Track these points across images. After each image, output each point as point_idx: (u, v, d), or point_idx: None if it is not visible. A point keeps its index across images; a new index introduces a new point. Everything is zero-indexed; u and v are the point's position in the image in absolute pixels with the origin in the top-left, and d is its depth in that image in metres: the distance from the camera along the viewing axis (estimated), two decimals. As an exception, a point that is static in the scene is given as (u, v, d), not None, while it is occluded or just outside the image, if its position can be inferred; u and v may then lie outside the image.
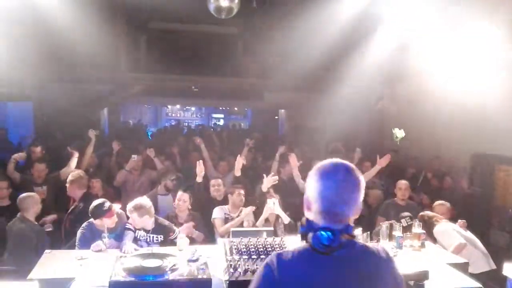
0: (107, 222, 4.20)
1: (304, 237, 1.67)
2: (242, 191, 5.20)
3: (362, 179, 1.72)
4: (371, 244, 1.82)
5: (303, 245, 1.67)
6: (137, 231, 4.31)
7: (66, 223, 4.97)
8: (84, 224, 4.36)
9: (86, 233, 4.29)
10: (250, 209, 5.00)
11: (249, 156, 7.42)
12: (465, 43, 6.76)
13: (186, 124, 20.69)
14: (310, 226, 1.66)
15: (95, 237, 4.18)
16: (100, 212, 4.22)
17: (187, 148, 9.08)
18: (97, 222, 4.28)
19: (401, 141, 6.16)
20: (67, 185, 5.18)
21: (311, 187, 1.71)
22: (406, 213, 5.14)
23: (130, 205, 4.31)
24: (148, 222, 4.33)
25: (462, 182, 7.14)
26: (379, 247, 1.75)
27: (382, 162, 6.10)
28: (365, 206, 6.71)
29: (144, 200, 4.36)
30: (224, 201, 5.48)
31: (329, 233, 1.61)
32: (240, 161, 5.88)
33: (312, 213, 1.71)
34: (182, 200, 5.08)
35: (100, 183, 6.01)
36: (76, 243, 4.28)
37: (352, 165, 1.73)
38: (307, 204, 1.73)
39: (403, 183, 5.97)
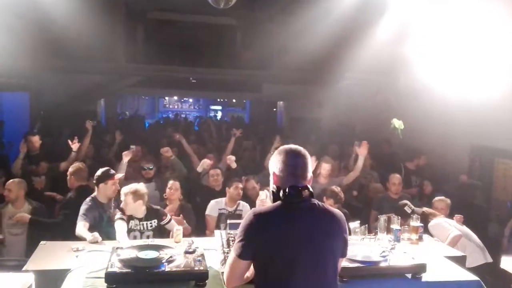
0: (110, 189, 4.44)
1: (276, 199, 2.25)
2: (240, 185, 5.17)
3: (307, 153, 2.36)
4: (329, 206, 2.42)
5: (276, 203, 2.25)
6: (130, 221, 4.27)
7: (57, 209, 5.05)
8: (87, 199, 4.47)
9: (91, 205, 4.39)
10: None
11: (235, 146, 7.40)
12: (466, 35, 6.72)
13: (184, 115, 20.62)
14: (279, 189, 2.25)
15: (97, 210, 4.37)
16: (106, 175, 4.49)
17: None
18: (100, 191, 4.47)
19: (400, 132, 6.11)
20: (68, 176, 5.17)
21: (279, 162, 2.31)
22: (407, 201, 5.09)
23: (125, 188, 4.29)
24: (141, 208, 4.30)
25: (462, 176, 7.08)
26: (336, 210, 2.39)
27: (362, 151, 6.03)
28: (363, 200, 6.70)
29: (140, 186, 4.39)
30: (222, 192, 5.47)
31: (297, 189, 2.22)
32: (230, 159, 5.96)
33: (279, 183, 2.28)
34: (174, 188, 5.06)
35: None
36: (80, 215, 4.31)
37: (302, 148, 2.37)
38: (275, 178, 2.31)
39: (397, 178, 5.93)
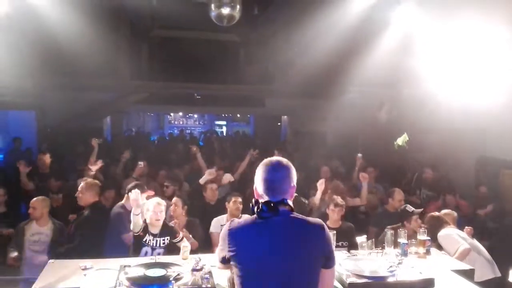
0: (137, 201, 4.38)
1: (253, 212, 2.28)
2: (239, 199, 5.13)
3: (291, 166, 2.36)
4: (310, 218, 2.34)
5: (251, 217, 2.30)
6: (146, 235, 4.26)
7: (70, 229, 4.92)
8: (118, 208, 4.82)
9: (124, 212, 4.65)
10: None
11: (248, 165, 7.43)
12: (470, 47, 6.75)
13: (189, 131, 20.67)
14: (257, 203, 2.29)
15: (128, 216, 4.41)
16: (140, 187, 4.59)
17: (187, 157, 9.01)
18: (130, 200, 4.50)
19: (403, 147, 6.08)
20: (80, 194, 4.97)
21: (258, 177, 2.35)
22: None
23: (156, 200, 4.34)
24: (161, 220, 4.35)
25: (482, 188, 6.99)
26: (317, 221, 2.34)
27: (365, 177, 6.08)
28: (361, 213, 6.66)
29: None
30: (217, 206, 5.52)
31: (269, 204, 2.24)
32: (227, 178, 5.90)
33: (259, 196, 2.33)
34: (174, 204, 5.08)
35: (113, 194, 6.01)
36: (112, 221, 4.59)
37: (284, 159, 2.40)
38: (256, 192, 2.35)
39: (402, 194, 5.83)
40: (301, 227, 2.27)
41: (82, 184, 5.03)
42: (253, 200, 2.33)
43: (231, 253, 2.25)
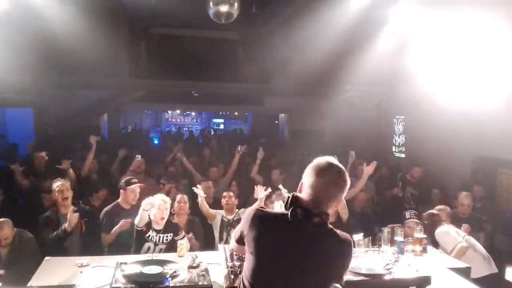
0: (129, 195, 4.75)
1: (287, 207, 2.12)
2: (231, 193, 5.27)
3: (349, 182, 2.16)
4: (340, 233, 2.16)
5: (283, 211, 2.14)
6: (148, 231, 4.28)
7: (82, 228, 4.63)
8: (109, 206, 4.83)
9: (111, 212, 4.72)
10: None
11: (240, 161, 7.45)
12: (468, 46, 6.75)
13: (186, 129, 20.66)
14: (296, 203, 2.11)
15: (120, 215, 4.62)
16: (127, 182, 4.80)
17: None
18: (122, 197, 4.82)
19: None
20: (66, 195, 4.68)
21: (308, 179, 2.13)
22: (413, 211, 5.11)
23: (162, 197, 4.33)
24: (166, 218, 4.35)
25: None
26: (347, 237, 2.17)
27: (369, 169, 5.99)
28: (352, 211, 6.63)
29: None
30: (214, 204, 5.58)
31: (307, 213, 2.07)
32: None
33: (302, 194, 2.15)
34: (183, 201, 5.07)
35: (106, 193, 5.97)
36: (102, 221, 4.66)
37: (343, 168, 2.15)
38: (301, 187, 2.18)
39: (467, 198, 5.67)
40: (331, 244, 2.12)
41: (64, 185, 4.73)
42: (291, 194, 2.15)
43: (249, 241, 2.14)
